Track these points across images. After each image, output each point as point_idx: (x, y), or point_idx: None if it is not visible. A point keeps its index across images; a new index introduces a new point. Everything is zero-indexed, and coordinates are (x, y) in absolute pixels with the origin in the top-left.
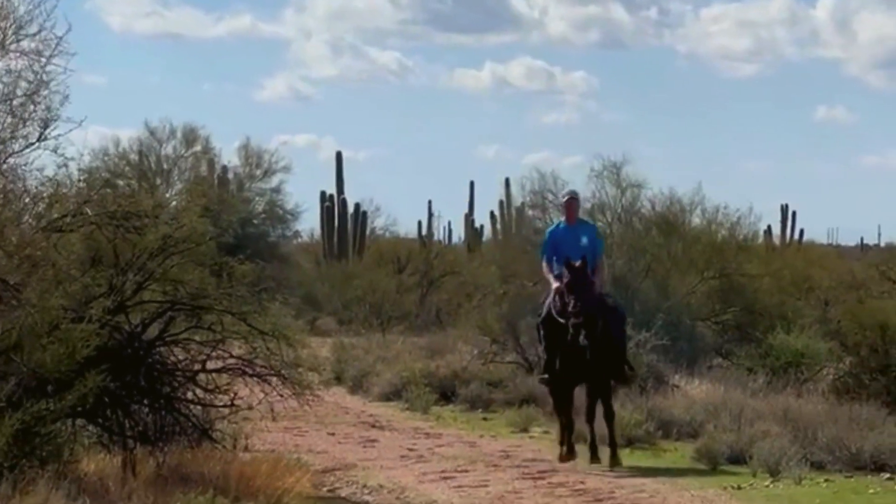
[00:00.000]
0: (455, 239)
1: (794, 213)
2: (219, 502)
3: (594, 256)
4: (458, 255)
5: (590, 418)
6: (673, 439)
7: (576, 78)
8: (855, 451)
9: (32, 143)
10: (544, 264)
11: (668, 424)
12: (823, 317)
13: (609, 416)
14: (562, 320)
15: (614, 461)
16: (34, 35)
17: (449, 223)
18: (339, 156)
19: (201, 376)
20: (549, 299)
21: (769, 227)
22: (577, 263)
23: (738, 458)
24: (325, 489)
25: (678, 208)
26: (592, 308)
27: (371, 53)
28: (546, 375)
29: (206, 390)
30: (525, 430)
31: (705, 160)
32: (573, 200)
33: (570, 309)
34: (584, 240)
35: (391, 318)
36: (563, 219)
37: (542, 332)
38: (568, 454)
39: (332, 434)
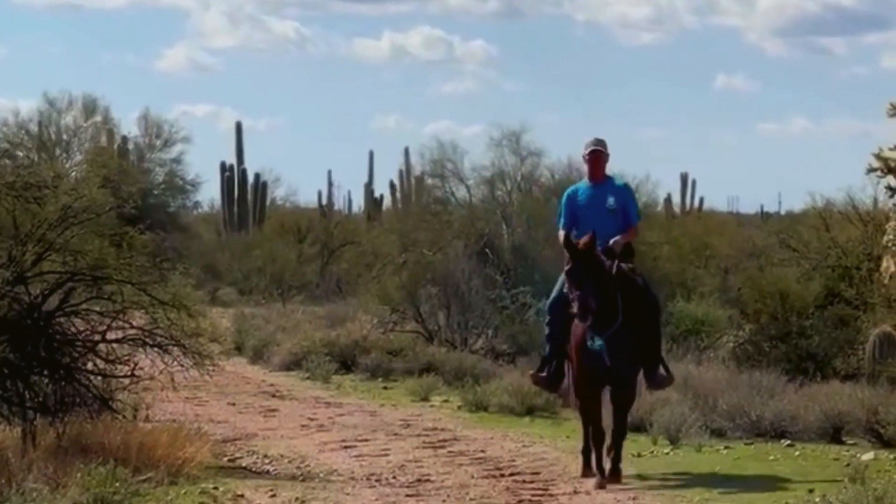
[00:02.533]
0: (355, 209)
1: (693, 182)
2: (119, 472)
3: (626, 223)
4: (357, 224)
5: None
6: (574, 407)
7: (475, 47)
8: (755, 417)
9: None
10: (561, 233)
11: (569, 393)
12: (723, 285)
13: (618, 432)
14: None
15: (613, 476)
16: None
17: (349, 193)
18: (238, 126)
19: (102, 347)
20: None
21: (669, 195)
22: (581, 242)
23: (638, 426)
24: (225, 459)
25: (577, 176)
26: (605, 302)
27: (270, 23)
28: (543, 374)
29: (106, 361)
30: (425, 398)
31: (604, 128)
32: (599, 153)
33: (572, 306)
34: (611, 201)
35: (291, 288)
36: (585, 178)
37: (548, 318)
38: (590, 468)
39: (233, 404)
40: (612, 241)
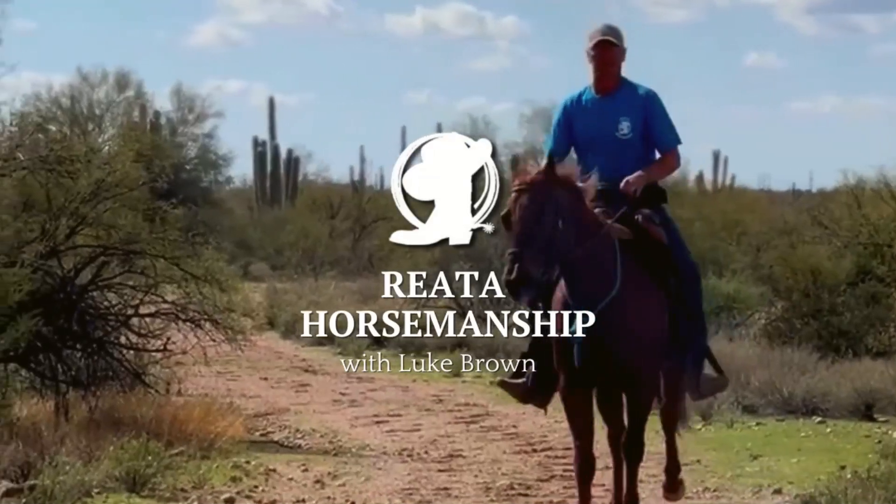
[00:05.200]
0: (387, 184)
1: (725, 159)
2: (152, 446)
3: (656, 149)
4: (390, 200)
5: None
6: None
7: (506, 23)
8: (787, 394)
9: None
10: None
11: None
12: (755, 262)
13: (629, 448)
14: None
15: None
16: None
17: (381, 169)
18: (271, 101)
19: (134, 321)
20: None
21: (701, 172)
22: (536, 170)
23: None
24: (257, 433)
25: None
26: (574, 266)
27: None
28: (519, 380)
29: (139, 335)
30: (457, 374)
31: None
32: (609, 46)
33: (504, 275)
34: (625, 126)
35: (324, 264)
36: (590, 84)
37: None
38: None
39: (265, 379)
40: (624, 182)
